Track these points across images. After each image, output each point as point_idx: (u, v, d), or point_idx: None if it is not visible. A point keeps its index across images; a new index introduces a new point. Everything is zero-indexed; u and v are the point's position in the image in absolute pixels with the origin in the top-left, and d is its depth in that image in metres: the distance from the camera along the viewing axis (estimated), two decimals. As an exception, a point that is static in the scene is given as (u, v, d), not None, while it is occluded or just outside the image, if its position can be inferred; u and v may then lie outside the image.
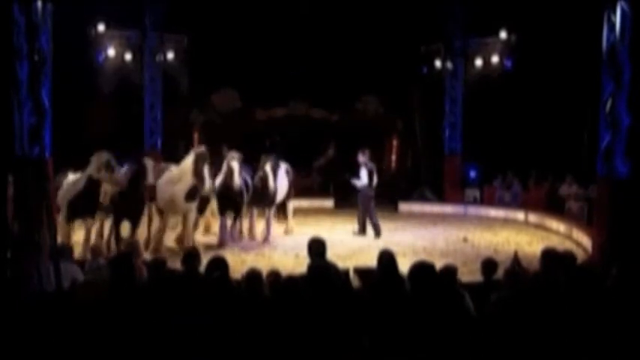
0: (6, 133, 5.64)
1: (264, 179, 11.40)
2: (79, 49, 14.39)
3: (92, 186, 9.60)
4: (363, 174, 12.27)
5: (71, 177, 10.30)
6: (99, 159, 9.54)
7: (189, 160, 10.40)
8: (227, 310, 4.52)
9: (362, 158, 12.26)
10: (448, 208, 16.73)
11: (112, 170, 9.53)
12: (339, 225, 13.63)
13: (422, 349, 4.37)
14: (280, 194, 12.11)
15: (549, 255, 5.69)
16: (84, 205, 9.69)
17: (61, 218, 9.78)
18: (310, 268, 5.20)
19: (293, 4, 15.50)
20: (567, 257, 5.72)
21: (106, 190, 9.91)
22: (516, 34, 15.89)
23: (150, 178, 9.75)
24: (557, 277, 5.21)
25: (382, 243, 11.01)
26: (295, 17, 15.71)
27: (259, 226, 12.01)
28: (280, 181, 11.95)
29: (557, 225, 13.60)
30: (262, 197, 11.55)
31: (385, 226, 14.18)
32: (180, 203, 10.40)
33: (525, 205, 15.43)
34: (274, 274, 5.20)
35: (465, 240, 12.31)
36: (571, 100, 15.00)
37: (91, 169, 9.58)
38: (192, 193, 10.40)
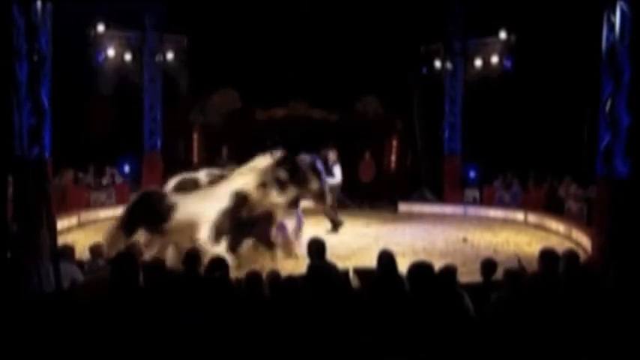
0: (5, 133, 5.64)
1: None
2: (78, 49, 14.38)
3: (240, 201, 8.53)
4: (337, 171, 12.64)
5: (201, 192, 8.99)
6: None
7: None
8: (227, 310, 4.52)
9: (332, 157, 12.68)
10: (448, 209, 16.72)
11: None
12: (338, 225, 13.60)
13: (421, 350, 4.37)
14: None
15: (548, 255, 5.67)
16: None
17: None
18: (310, 268, 5.21)
19: (293, 4, 15.49)
20: (569, 256, 5.69)
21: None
22: (516, 35, 15.87)
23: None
24: (556, 277, 5.21)
25: (382, 243, 11.01)
26: (295, 17, 15.69)
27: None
28: None
29: (557, 225, 13.60)
30: None
31: (385, 226, 14.22)
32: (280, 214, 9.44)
33: (525, 206, 15.43)
34: (274, 275, 5.20)
35: (465, 240, 12.31)
36: (571, 101, 15.00)
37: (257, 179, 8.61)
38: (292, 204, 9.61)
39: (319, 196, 9.59)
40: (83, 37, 14.86)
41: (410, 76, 17.54)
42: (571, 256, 5.65)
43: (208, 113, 17.69)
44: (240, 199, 8.42)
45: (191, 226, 8.30)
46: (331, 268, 5.46)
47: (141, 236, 8.49)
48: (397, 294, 4.85)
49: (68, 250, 6.45)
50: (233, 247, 8.62)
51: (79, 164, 14.99)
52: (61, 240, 8.54)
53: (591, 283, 5.04)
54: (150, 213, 8.47)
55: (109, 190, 15.23)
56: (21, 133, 5.83)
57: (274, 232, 9.47)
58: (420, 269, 4.86)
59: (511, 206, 15.84)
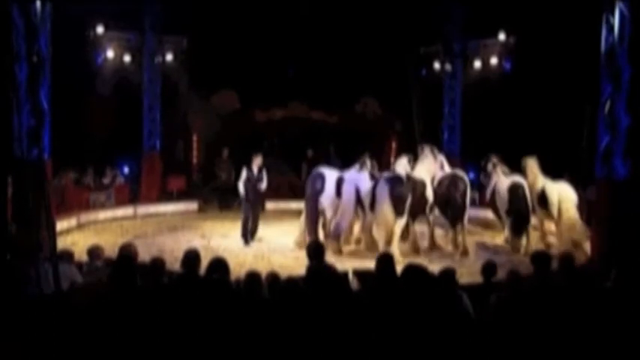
0: (5, 135, 5.65)
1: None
2: (77, 50, 14.37)
3: None
4: (265, 177, 12.04)
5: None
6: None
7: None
8: (226, 311, 4.51)
9: (258, 162, 11.99)
10: (447, 210, 16.62)
11: None
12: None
13: (421, 351, 4.36)
14: None
15: (539, 257, 5.65)
16: None
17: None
18: (309, 269, 5.20)
19: (292, 5, 15.49)
20: (564, 258, 5.69)
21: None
22: (515, 36, 15.85)
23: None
24: (550, 279, 5.22)
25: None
26: (295, 19, 15.69)
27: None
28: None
29: (556, 226, 13.54)
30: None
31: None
32: None
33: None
34: (273, 276, 5.20)
35: (464, 241, 12.25)
36: (570, 102, 14.99)
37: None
38: None
39: None
40: (82, 38, 14.84)
41: (409, 78, 17.52)
42: (566, 258, 5.66)
43: (207, 114, 17.66)
44: None
45: None
46: (330, 270, 5.45)
47: None
48: (396, 296, 4.85)
49: (67, 252, 6.43)
50: None
51: (78, 165, 14.97)
52: (61, 241, 8.56)
53: (591, 284, 5.04)
54: None
55: (109, 191, 15.21)
56: (20, 134, 5.83)
57: None
58: (413, 272, 4.89)
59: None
